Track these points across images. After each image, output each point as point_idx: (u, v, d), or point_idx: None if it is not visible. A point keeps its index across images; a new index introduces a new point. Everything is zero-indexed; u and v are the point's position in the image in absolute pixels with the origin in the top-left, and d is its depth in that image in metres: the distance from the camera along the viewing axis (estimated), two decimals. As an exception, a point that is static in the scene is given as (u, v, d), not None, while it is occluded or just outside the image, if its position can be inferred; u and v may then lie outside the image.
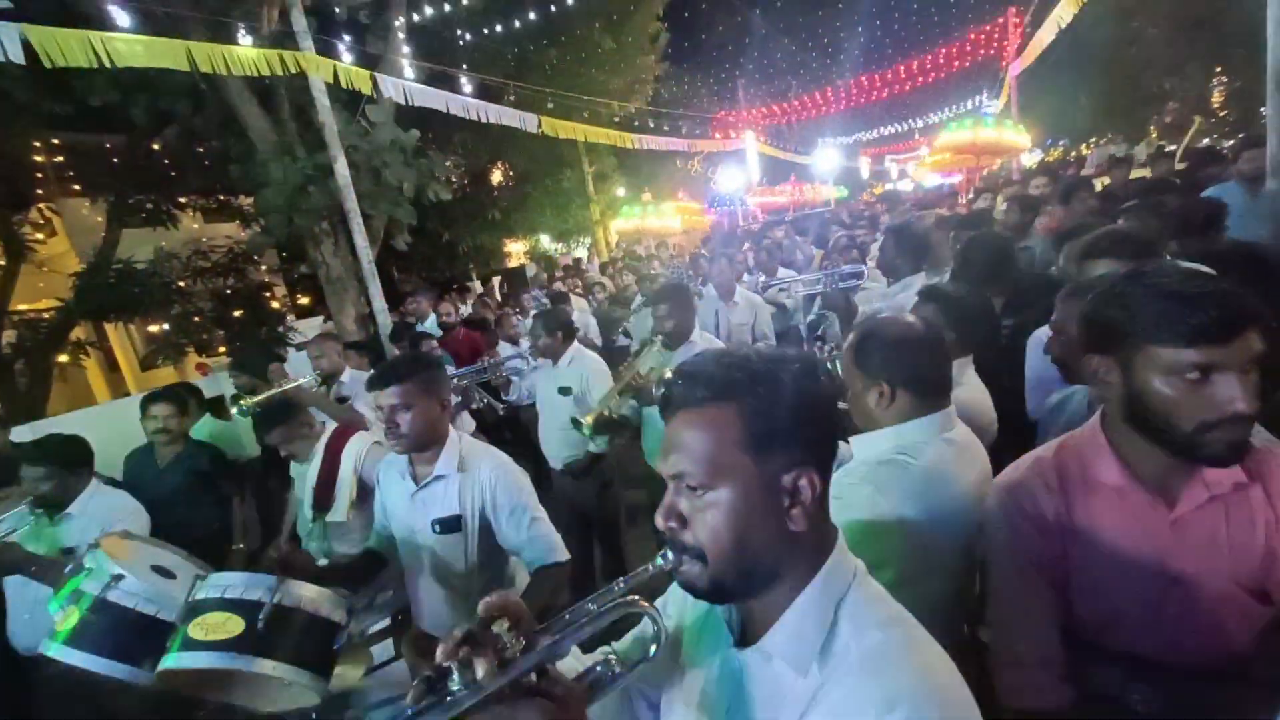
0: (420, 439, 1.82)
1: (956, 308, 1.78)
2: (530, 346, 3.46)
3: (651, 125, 14.94)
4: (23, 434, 4.00)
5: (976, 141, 11.01)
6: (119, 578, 1.38)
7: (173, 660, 1.22)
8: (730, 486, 0.70)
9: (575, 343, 3.40)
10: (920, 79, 23.35)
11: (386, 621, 2.30)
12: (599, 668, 0.77)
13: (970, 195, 10.37)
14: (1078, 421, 1.51)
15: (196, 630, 1.23)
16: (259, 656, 1.22)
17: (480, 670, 0.64)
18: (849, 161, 27.30)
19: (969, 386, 1.74)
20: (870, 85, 24.27)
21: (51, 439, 2.61)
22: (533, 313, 5.35)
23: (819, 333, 4.26)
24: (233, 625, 1.23)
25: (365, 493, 2.55)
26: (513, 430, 4.66)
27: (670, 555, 0.74)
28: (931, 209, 7.29)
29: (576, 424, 2.69)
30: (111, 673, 1.36)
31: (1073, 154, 18.93)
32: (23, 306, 9.62)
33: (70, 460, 2.48)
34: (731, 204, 19.47)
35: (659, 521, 0.75)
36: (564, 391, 3.27)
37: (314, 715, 1.54)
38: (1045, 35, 9.36)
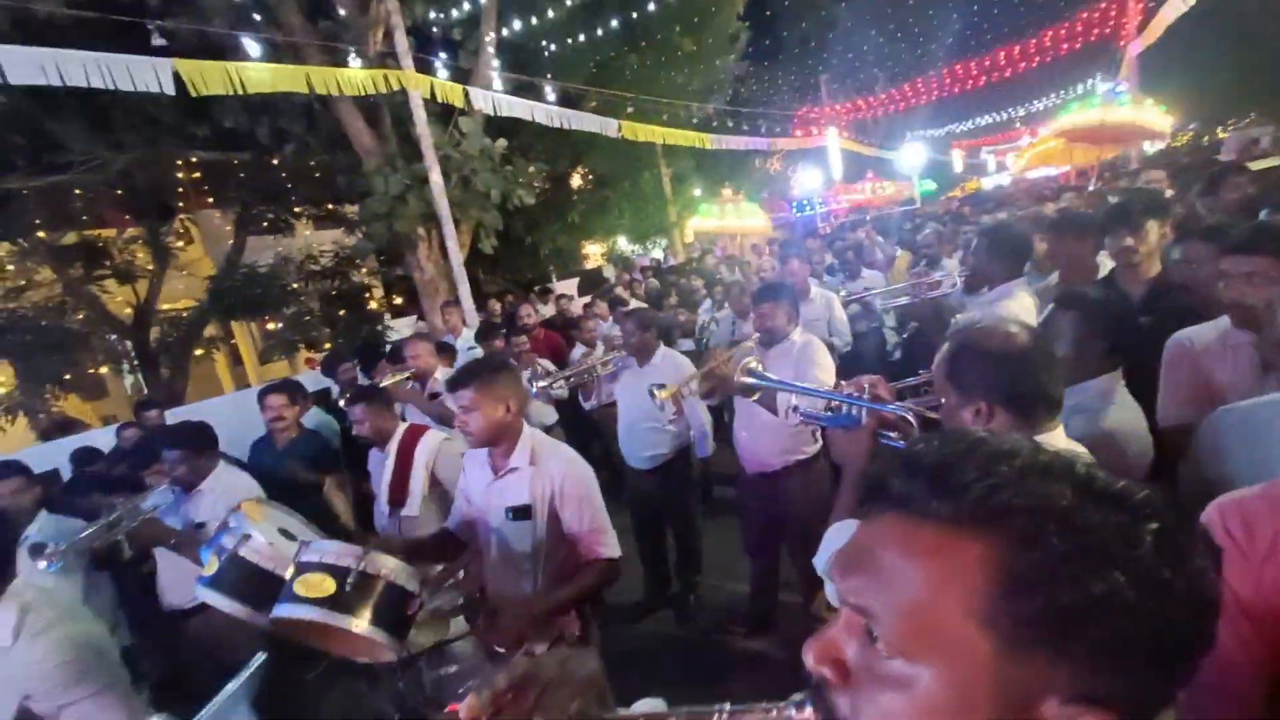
0: (486, 437, 1.97)
1: (1103, 314, 1.59)
2: (622, 345, 3.51)
3: (730, 125, 14.82)
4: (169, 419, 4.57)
5: (1105, 124, 9.64)
6: (248, 537, 1.66)
7: (280, 610, 1.45)
8: (939, 672, 0.43)
9: (662, 343, 3.44)
10: (1023, 63, 21.72)
11: (460, 600, 2.46)
12: None
13: (1092, 186, 9.44)
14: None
15: (300, 587, 1.45)
16: (345, 614, 1.42)
17: None
18: (940, 155, 25.83)
19: (1121, 406, 1.55)
20: (965, 72, 22.85)
21: (184, 426, 2.96)
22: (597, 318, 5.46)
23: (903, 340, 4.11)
24: (327, 585, 1.44)
25: (437, 488, 2.72)
26: (586, 429, 4.77)
27: (810, 710, 0.50)
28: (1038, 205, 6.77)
29: (652, 393, 2.68)
30: (237, 614, 1.63)
31: (1205, 139, 16.97)
32: (166, 306, 10.94)
33: (201, 444, 2.80)
34: (811, 204, 18.98)
35: (808, 658, 0.50)
36: (658, 388, 3.31)
37: (397, 673, 1.71)
38: (1174, 7, 8.46)
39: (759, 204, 15.06)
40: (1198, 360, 1.69)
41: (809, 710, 0.49)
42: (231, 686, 1.33)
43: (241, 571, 1.64)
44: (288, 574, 1.50)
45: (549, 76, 9.42)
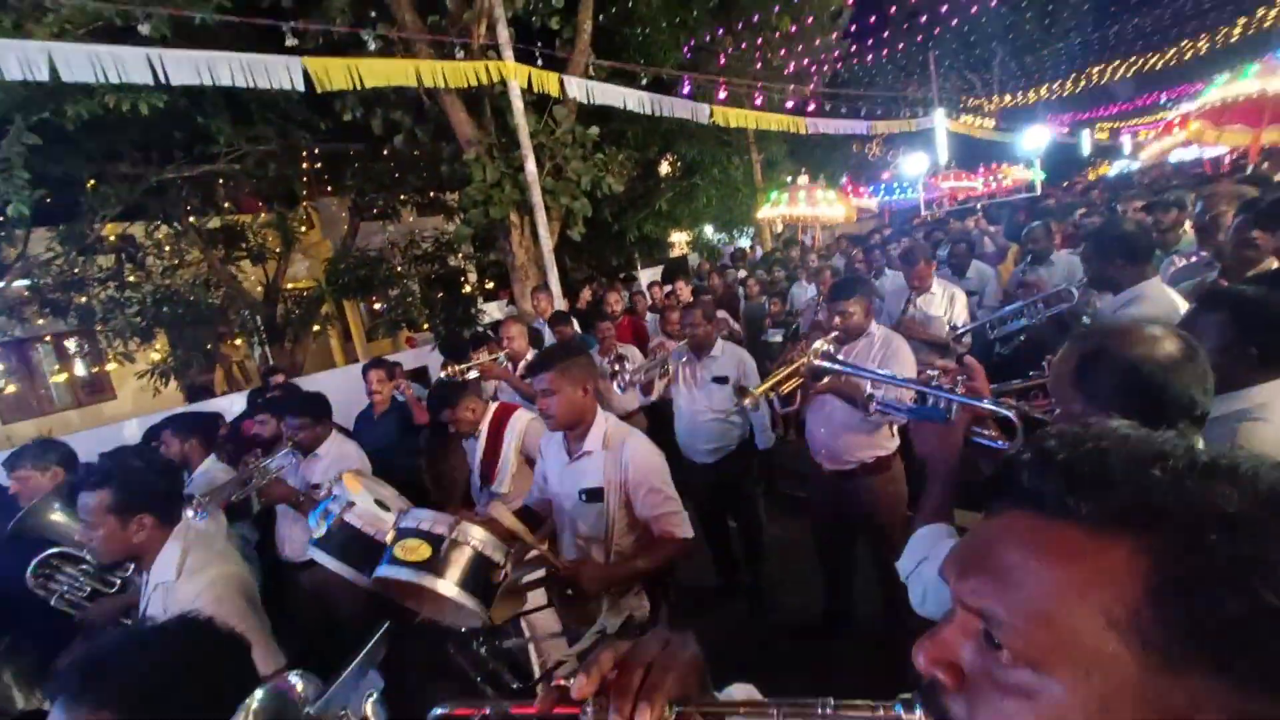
0: (565, 419, 2.03)
1: (1256, 313, 1.41)
2: (687, 335, 3.47)
3: (827, 108, 14.16)
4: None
5: (1266, 95, 8.26)
6: (351, 505, 1.81)
7: (382, 570, 1.58)
8: (1073, 685, 0.39)
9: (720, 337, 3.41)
10: (1174, 28, 19.20)
11: (542, 572, 2.54)
12: None
13: (1252, 170, 8.14)
14: None
15: (399, 550, 1.57)
16: (436, 577, 1.53)
17: None
18: (1065, 137, 23.41)
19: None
20: (1101, 43, 20.51)
21: (305, 395, 3.27)
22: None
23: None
24: (423, 550, 1.55)
25: (526, 466, 2.83)
26: (666, 416, 4.77)
27: (919, 712, 0.48)
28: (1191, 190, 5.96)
29: (743, 392, 2.60)
30: (343, 573, 1.79)
31: None
32: (290, 285, 12.06)
33: (320, 412, 3.09)
34: (913, 187, 17.82)
35: (918, 660, 0.48)
36: (720, 380, 3.27)
37: (479, 638, 1.83)
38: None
39: (836, 191, 14.23)
40: None
41: (919, 712, 0.48)
42: (362, 651, 1.45)
43: (346, 535, 1.79)
44: (389, 538, 1.62)
45: (641, 62, 9.40)
